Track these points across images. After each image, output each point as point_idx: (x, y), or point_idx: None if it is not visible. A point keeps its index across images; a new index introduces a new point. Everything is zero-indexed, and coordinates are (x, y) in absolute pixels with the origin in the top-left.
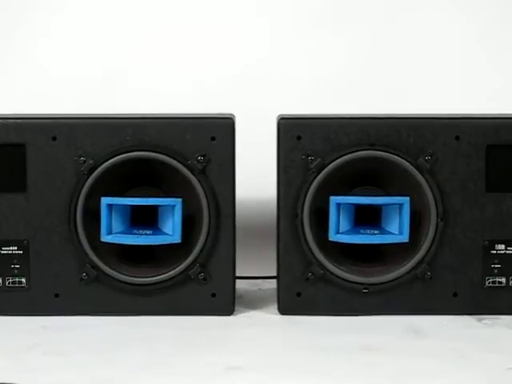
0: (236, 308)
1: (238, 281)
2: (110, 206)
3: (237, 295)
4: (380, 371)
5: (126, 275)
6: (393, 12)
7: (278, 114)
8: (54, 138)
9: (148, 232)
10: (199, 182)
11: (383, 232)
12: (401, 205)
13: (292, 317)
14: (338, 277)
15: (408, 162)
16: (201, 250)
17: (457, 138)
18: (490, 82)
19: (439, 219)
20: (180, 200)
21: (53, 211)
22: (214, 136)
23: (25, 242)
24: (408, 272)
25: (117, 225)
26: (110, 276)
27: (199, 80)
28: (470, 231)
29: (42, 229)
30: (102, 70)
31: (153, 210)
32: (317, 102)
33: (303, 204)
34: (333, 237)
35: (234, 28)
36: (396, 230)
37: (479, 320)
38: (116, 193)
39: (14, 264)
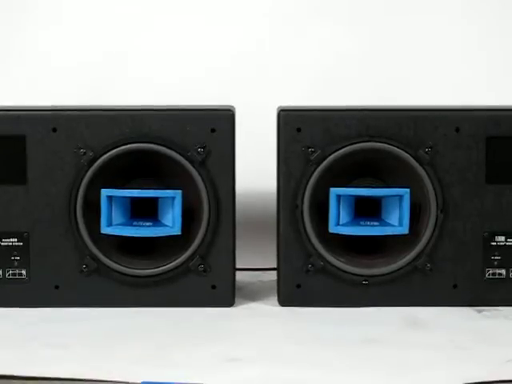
0: (236, 300)
1: (238, 272)
2: (109, 198)
3: (237, 287)
4: (380, 363)
5: (125, 267)
6: (393, 4)
7: (278, 106)
8: (54, 130)
9: (148, 224)
10: (199, 173)
11: (383, 224)
12: (401, 196)
13: (292, 308)
14: (337, 268)
15: (408, 153)
16: (201, 242)
17: (457, 129)
18: (491, 73)
19: (439, 211)
20: (180, 192)
21: (53, 203)
22: (214, 128)
23: (25, 233)
24: (408, 264)
25: (117, 217)
26: (109, 268)
27: (199, 71)
28: (470, 223)
29: (41, 221)
30: (102, 61)
31: (153, 202)
32: (317, 94)
33: (303, 196)
34: (333, 228)
35: (235, 19)
36: (396, 222)
37: (479, 312)
38: (116, 185)
39: (14, 256)
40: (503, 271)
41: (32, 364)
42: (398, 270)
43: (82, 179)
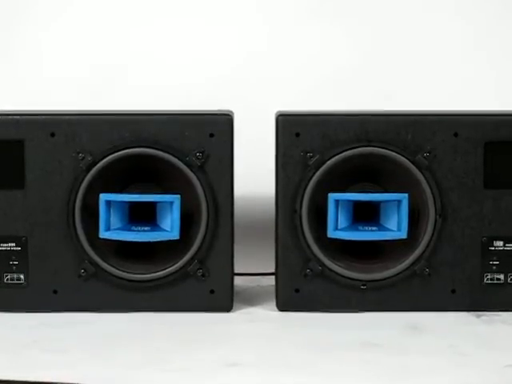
0: (234, 304)
1: (236, 277)
2: (108, 203)
3: (235, 292)
4: (378, 368)
5: (124, 272)
6: (392, 8)
7: (276, 111)
8: (53, 135)
9: (146, 228)
10: (198, 178)
11: (381, 229)
12: (399, 201)
13: (290, 313)
14: (336, 273)
15: (406, 158)
16: (199, 247)
17: (455, 134)
18: (489, 78)
19: (437, 216)
20: (178, 196)
21: (51, 208)
22: (212, 132)
23: (23, 238)
24: (406, 269)
25: (115, 221)
26: (108, 272)
27: (198, 76)
28: (469, 228)
29: (40, 225)
30: (100, 67)
31: (151, 207)
32: (315, 99)
33: (302, 200)
34: (331, 233)
35: (233, 23)
36: (394, 227)
37: (477, 317)
38: (114, 189)
39: (13, 260)
40: (501, 276)
41: (30, 369)
42: (397, 274)
43: (80, 184)
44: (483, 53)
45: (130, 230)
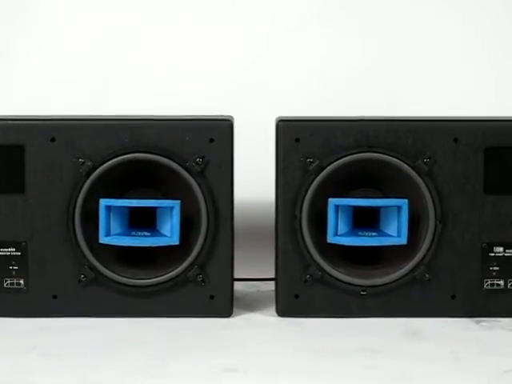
0: (234, 310)
1: (236, 282)
2: (108, 208)
3: (235, 297)
4: (378, 373)
5: (124, 277)
6: (391, 15)
7: (276, 116)
8: (53, 140)
9: (146, 234)
10: (198, 183)
11: (381, 234)
12: (399, 207)
13: (290, 319)
14: (336, 279)
15: (406, 164)
16: (199, 252)
17: (455, 140)
18: (489, 84)
19: (437, 221)
20: (178, 202)
21: (51, 213)
22: (212, 138)
23: (23, 243)
24: (406, 274)
25: (115, 226)
26: (108, 278)
27: (198, 82)
28: (469, 233)
29: (40, 230)
30: (100, 72)
31: (151, 212)
32: (315, 104)
33: (301, 206)
34: (331, 239)
35: (234, 28)
36: (394, 233)
37: (477, 322)
38: (114, 194)
39: (13, 265)
40: (501, 282)
41: (30, 374)
42: (397, 280)
43: (80, 189)
44: (484, 58)
45: (129, 236)
